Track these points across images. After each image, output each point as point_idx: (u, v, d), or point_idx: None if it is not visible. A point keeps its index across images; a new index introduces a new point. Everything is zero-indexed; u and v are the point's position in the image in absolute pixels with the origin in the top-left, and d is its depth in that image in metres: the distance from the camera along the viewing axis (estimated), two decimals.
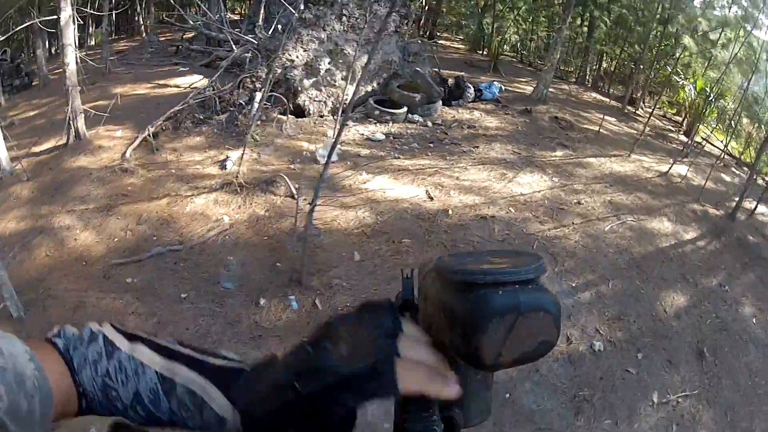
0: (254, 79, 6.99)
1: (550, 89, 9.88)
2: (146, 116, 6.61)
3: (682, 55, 11.27)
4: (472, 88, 8.45)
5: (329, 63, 7.03)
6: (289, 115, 6.80)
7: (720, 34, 11.12)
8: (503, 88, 9.27)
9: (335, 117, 7.15)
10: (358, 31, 7.17)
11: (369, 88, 7.59)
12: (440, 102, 7.79)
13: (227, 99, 6.92)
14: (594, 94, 11.94)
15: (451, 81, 8.58)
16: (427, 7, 16.70)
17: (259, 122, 6.59)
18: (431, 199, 5.24)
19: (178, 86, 8.48)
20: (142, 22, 14.14)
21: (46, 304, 3.88)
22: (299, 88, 6.94)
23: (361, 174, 5.54)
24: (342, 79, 7.19)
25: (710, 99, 9.61)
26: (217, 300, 3.95)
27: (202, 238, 4.53)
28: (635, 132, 8.68)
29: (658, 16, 10.93)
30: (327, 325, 0.48)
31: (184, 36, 12.19)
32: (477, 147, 6.77)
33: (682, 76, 11.03)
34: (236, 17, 14.84)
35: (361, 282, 4.03)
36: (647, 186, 6.72)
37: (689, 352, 4.30)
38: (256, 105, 6.65)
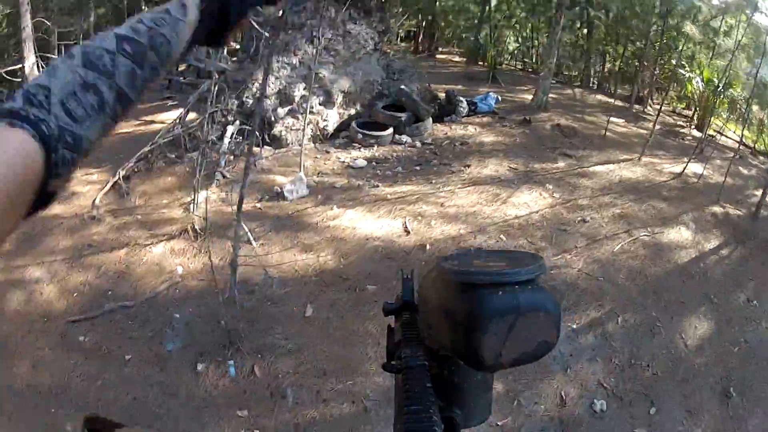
0: (225, 113, 6.58)
1: (553, 95, 9.30)
2: (125, 157, 6.23)
3: (685, 47, 10.64)
4: (465, 102, 7.87)
5: (304, 89, 6.57)
6: (266, 147, 6.35)
7: (721, 22, 10.50)
8: (500, 98, 8.69)
9: (317, 145, 6.68)
10: (333, 53, 6.73)
11: (352, 111, 7.10)
12: (430, 120, 7.21)
13: (198, 135, 6.50)
14: (599, 96, 11.26)
15: (442, 96, 8.04)
16: (424, 23, 16.41)
17: (231, 157, 6.16)
18: (408, 232, 4.62)
19: (164, 122, 8.12)
20: None
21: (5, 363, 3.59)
22: (273, 118, 6.49)
23: (331, 209, 5.00)
24: (320, 104, 6.74)
25: (719, 89, 8.91)
26: (158, 363, 3.51)
27: (153, 292, 4.10)
28: (645, 132, 8.00)
29: (657, 9, 10.38)
30: None
31: (177, 68, 11.95)
32: (468, 166, 6.17)
33: (687, 69, 10.37)
34: (236, 46, 14.55)
35: (310, 342, 3.46)
36: (661, 191, 6.03)
37: (712, 394, 3.58)
38: (226, 141, 6.23)
